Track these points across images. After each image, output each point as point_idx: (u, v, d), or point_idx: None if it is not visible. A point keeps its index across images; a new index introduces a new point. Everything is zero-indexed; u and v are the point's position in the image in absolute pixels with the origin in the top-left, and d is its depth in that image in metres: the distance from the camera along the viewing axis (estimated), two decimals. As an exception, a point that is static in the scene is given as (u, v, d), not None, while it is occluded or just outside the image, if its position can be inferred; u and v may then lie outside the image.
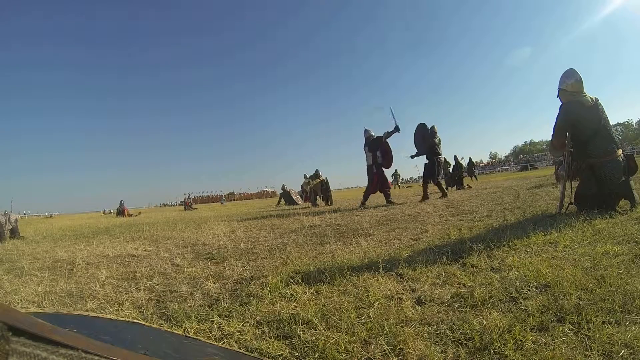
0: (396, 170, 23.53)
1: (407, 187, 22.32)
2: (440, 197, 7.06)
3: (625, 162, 2.99)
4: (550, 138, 3.52)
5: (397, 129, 6.82)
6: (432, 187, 7.55)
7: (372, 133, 7.20)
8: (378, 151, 6.94)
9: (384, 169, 7.10)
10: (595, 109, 3.08)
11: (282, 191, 14.02)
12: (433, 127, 7.30)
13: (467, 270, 1.65)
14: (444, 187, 7.63)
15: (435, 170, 7.14)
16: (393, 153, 7.07)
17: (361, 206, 6.58)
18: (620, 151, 3.03)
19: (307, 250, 2.62)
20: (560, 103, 3.29)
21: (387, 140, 7.01)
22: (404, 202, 6.80)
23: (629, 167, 2.99)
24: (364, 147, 7.20)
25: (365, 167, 7.15)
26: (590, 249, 1.77)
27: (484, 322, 1.07)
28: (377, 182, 6.98)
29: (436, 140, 7.15)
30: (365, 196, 7.03)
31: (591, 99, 3.13)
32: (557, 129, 3.26)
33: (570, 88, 3.21)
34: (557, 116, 3.26)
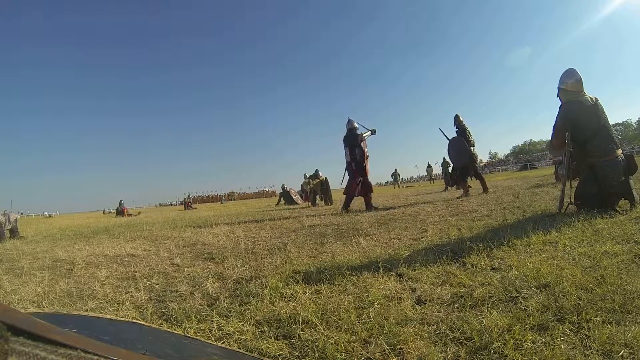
0: (396, 170, 23.53)
1: (407, 186, 22.31)
2: (462, 195, 6.55)
3: (625, 161, 2.99)
4: (549, 138, 3.52)
5: (373, 131, 6.37)
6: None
7: (356, 125, 6.33)
8: (356, 148, 6.12)
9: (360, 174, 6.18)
10: (595, 108, 3.08)
11: (281, 191, 14.03)
12: (457, 116, 6.90)
13: (466, 270, 1.65)
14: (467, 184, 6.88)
15: (472, 160, 6.61)
16: (367, 160, 6.26)
17: (343, 210, 5.80)
18: (619, 151, 3.04)
19: (306, 249, 2.62)
20: (560, 103, 3.29)
21: (364, 145, 6.21)
22: (403, 204, 6.79)
23: (629, 167, 3.00)
24: (343, 140, 6.34)
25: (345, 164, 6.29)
26: (590, 248, 1.77)
27: (484, 321, 1.07)
28: (359, 182, 6.11)
29: (468, 128, 6.75)
30: (349, 198, 6.07)
31: (591, 98, 3.13)
32: (557, 129, 3.26)
33: (570, 88, 3.21)
34: (557, 116, 3.26)
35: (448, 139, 6.90)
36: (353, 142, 6.14)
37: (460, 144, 6.68)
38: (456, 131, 6.84)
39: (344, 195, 6.27)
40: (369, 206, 5.91)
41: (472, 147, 6.71)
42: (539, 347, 0.91)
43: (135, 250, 3.32)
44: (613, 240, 1.90)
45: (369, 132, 6.38)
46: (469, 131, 6.75)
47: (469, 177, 6.91)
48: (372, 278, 1.64)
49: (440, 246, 2.21)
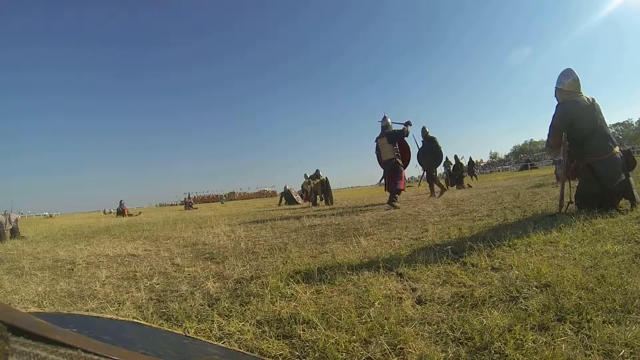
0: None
1: (407, 186, 22.30)
2: (430, 195, 7.77)
3: (623, 158, 2.99)
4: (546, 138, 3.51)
5: (408, 122, 6.15)
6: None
7: (390, 121, 6.30)
8: (396, 144, 6.08)
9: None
10: (591, 108, 3.07)
11: (283, 191, 14.04)
12: (424, 127, 8.04)
13: (467, 270, 1.65)
14: (436, 186, 8.07)
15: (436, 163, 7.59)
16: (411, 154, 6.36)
17: (393, 206, 5.61)
18: (617, 148, 3.03)
19: (307, 249, 2.62)
20: (557, 102, 3.29)
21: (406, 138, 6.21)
22: (404, 203, 6.78)
23: (628, 163, 2.99)
24: (380, 138, 6.22)
25: (383, 161, 6.19)
26: (591, 248, 1.77)
27: (485, 321, 1.07)
28: (403, 178, 6.06)
29: (436, 138, 7.85)
30: (397, 192, 5.91)
31: (588, 98, 3.13)
32: (554, 129, 3.25)
33: (567, 88, 3.21)
34: (554, 116, 3.26)
35: (418, 146, 8.01)
36: (400, 138, 6.13)
37: (433, 148, 7.73)
38: (422, 141, 8.00)
39: (388, 192, 6.13)
40: (393, 201, 5.77)
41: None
42: (540, 346, 0.91)
43: (136, 250, 3.32)
44: (614, 240, 1.90)
45: (407, 126, 6.16)
46: (437, 140, 7.84)
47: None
48: (372, 278, 1.64)
49: (440, 246, 2.20)
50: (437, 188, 8.12)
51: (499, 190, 6.91)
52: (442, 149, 7.82)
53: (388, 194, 6.02)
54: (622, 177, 2.93)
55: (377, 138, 6.36)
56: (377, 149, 6.38)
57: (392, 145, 6.09)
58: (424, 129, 8.02)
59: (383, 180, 6.39)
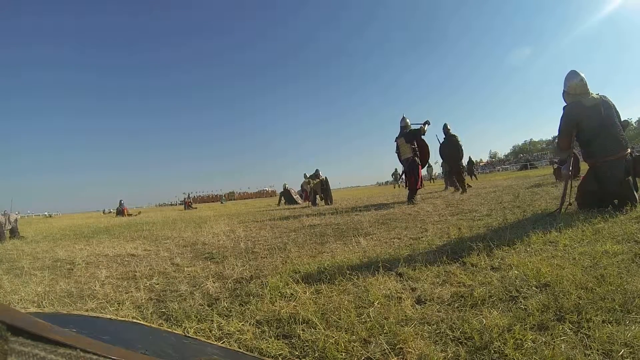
0: (396, 169, 23.45)
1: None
2: (460, 192, 7.61)
3: (630, 162, 2.97)
4: (550, 138, 3.53)
5: (427, 122, 6.43)
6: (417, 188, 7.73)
7: (409, 122, 6.56)
8: (416, 141, 6.38)
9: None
10: (596, 108, 3.07)
11: (282, 190, 14.03)
12: (445, 124, 8.08)
13: (467, 270, 1.65)
14: (464, 182, 8.13)
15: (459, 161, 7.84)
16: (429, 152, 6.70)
17: (411, 202, 6.02)
18: (627, 151, 3.00)
19: (307, 249, 2.62)
20: (564, 104, 3.32)
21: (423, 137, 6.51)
22: (403, 203, 6.78)
23: (635, 170, 2.96)
24: (399, 138, 6.53)
25: (400, 160, 6.61)
26: (590, 248, 1.77)
27: (484, 321, 1.07)
28: (420, 175, 6.40)
29: (456, 135, 8.06)
30: (414, 190, 6.28)
31: (594, 97, 3.13)
32: (562, 131, 3.30)
33: (573, 90, 3.23)
34: (561, 118, 3.30)
35: (439, 142, 8.07)
36: (417, 137, 6.40)
37: (454, 144, 7.82)
38: (444, 138, 8.03)
39: (408, 189, 6.49)
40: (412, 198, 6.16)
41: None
42: (539, 346, 0.91)
43: (136, 250, 3.32)
44: (613, 239, 1.90)
45: (424, 125, 6.44)
46: (457, 137, 7.95)
47: (471, 177, 7.60)
48: (372, 278, 1.64)
49: (440, 246, 2.20)
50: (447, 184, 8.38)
51: (499, 190, 6.91)
52: (461, 145, 8.01)
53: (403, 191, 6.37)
54: (625, 178, 2.92)
55: (396, 138, 6.65)
56: (397, 149, 6.68)
57: (409, 145, 6.36)
58: (445, 126, 8.14)
59: (404, 177, 6.68)
